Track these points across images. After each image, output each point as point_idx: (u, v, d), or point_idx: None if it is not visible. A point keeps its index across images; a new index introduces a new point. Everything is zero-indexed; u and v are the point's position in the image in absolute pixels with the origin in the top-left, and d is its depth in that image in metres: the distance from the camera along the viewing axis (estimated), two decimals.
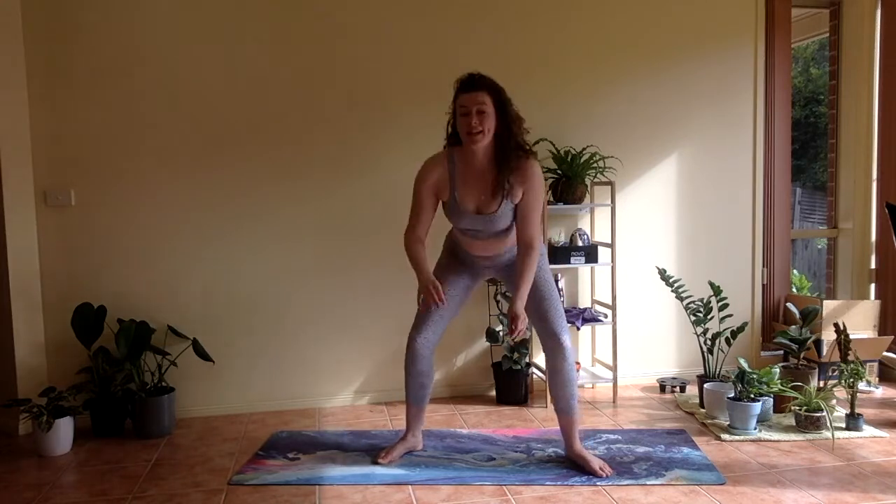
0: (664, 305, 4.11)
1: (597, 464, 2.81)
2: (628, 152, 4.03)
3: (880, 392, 3.88)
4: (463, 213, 2.77)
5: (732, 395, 3.30)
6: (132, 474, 2.93)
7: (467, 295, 3.01)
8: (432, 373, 2.99)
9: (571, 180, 3.71)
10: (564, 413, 2.88)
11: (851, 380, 3.27)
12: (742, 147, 4.19)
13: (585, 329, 4.08)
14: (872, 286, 4.32)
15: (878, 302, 4.10)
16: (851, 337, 3.46)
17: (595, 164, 3.76)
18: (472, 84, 2.68)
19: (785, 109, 4.28)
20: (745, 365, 3.33)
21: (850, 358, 3.34)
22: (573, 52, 3.97)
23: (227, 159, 3.65)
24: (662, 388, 3.97)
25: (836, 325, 3.48)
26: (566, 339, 2.83)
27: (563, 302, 3.82)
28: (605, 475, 2.76)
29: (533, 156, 2.74)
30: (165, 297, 3.62)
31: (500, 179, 2.70)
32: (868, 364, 3.83)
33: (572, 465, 2.87)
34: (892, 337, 3.99)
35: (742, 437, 3.17)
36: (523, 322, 2.68)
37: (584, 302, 4.11)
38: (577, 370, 3.90)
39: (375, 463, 2.93)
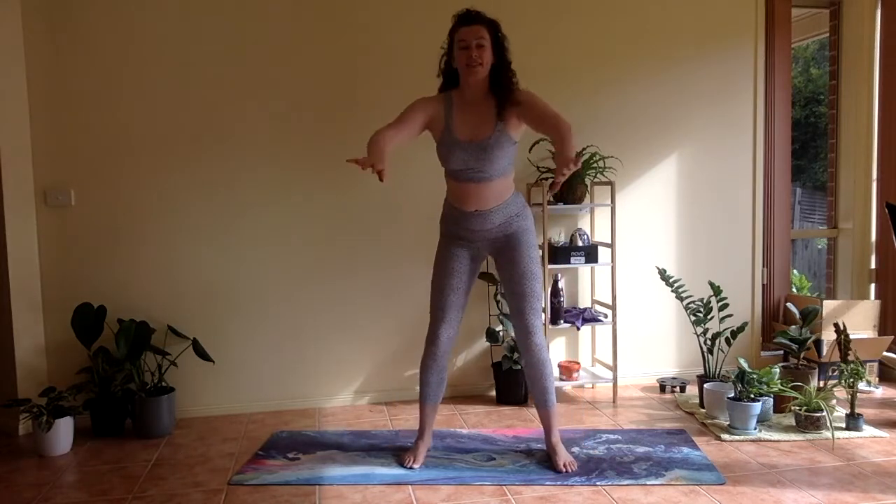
0: (664, 305, 4.11)
1: (562, 461, 2.85)
2: (628, 152, 4.03)
3: (880, 392, 3.88)
4: (456, 143, 2.75)
5: (732, 395, 3.30)
6: (132, 474, 2.93)
7: (473, 279, 2.96)
8: (446, 369, 2.99)
9: (571, 180, 3.71)
10: (541, 406, 2.91)
11: (851, 380, 3.27)
12: (742, 147, 4.19)
13: (585, 329, 4.08)
14: (872, 286, 4.32)
15: (878, 302, 4.10)
16: (851, 337, 3.46)
17: (595, 164, 3.77)
18: (470, 18, 2.75)
19: (785, 109, 4.28)
20: (745, 365, 3.33)
21: (850, 358, 3.34)
22: (573, 52, 3.97)
23: (228, 159, 3.65)
24: (662, 388, 3.97)
25: (836, 325, 3.48)
26: (538, 335, 2.84)
27: (563, 302, 3.82)
28: (566, 472, 2.80)
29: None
30: (165, 297, 3.62)
31: (497, 107, 2.75)
32: (868, 364, 3.83)
33: (544, 459, 2.93)
34: (892, 337, 3.99)
35: (742, 437, 3.17)
36: (570, 169, 2.48)
37: (584, 302, 4.11)
38: (578, 370, 3.92)
39: (405, 467, 2.90)
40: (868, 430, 3.23)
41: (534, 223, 2.94)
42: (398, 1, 3.77)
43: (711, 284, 3.72)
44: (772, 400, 3.40)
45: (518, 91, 2.79)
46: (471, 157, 2.75)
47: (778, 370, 3.43)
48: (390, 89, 3.78)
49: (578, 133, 3.90)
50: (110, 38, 3.50)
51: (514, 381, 3.76)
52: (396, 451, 3.07)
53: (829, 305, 3.98)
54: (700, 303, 3.69)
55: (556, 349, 4.07)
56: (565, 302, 3.89)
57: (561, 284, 3.83)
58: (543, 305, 3.14)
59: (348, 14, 3.73)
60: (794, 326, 3.71)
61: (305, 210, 3.74)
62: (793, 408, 3.32)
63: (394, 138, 2.64)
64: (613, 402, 3.79)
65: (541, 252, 3.73)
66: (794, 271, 5.78)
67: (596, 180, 3.84)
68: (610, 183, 3.79)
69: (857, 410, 3.27)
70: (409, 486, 2.73)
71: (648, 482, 2.72)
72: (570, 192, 3.73)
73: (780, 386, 3.32)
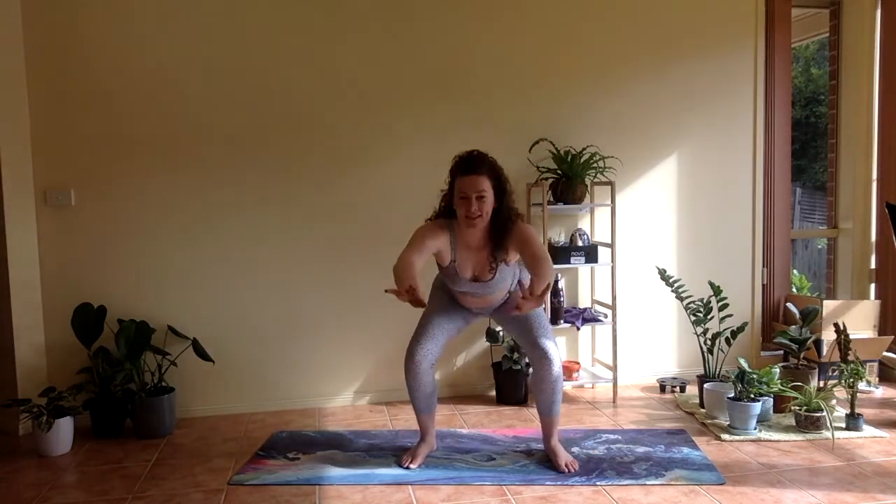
0: (664, 305, 4.11)
1: (563, 460, 2.86)
2: (628, 152, 4.03)
3: (880, 392, 3.88)
4: (461, 279, 2.83)
5: (732, 395, 3.30)
6: (132, 474, 2.93)
7: (466, 324, 3.05)
8: (435, 381, 2.96)
9: (571, 180, 3.71)
10: (545, 414, 2.92)
11: (851, 380, 3.27)
12: (742, 147, 4.19)
13: (585, 329, 4.08)
14: (872, 286, 4.32)
15: (878, 302, 4.10)
16: (851, 337, 3.46)
17: (595, 164, 3.76)
18: (472, 167, 2.70)
19: (785, 109, 4.28)
20: (745, 365, 3.33)
21: (850, 358, 3.34)
22: (573, 52, 3.97)
23: (228, 160, 3.65)
24: (662, 388, 3.97)
25: (836, 325, 3.48)
26: (551, 351, 2.84)
27: (563, 302, 3.82)
28: (568, 472, 2.80)
29: (520, 218, 2.79)
30: (165, 297, 3.62)
31: (495, 253, 2.77)
32: (868, 364, 3.83)
33: (544, 459, 2.93)
34: (892, 337, 3.99)
35: (742, 437, 3.17)
36: (529, 305, 2.53)
37: (584, 302, 4.10)
38: (578, 370, 3.92)
39: (403, 467, 2.90)
40: (868, 430, 3.23)
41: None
42: (399, 4, 3.77)
43: (711, 284, 3.72)
44: (772, 400, 3.40)
45: (516, 229, 2.74)
46: (475, 288, 2.84)
47: (778, 370, 3.43)
48: (394, 93, 3.79)
49: (579, 133, 3.95)
50: (110, 39, 3.50)
51: (514, 381, 3.75)
52: (396, 451, 3.07)
53: (829, 305, 3.98)
54: (700, 303, 3.68)
55: None
56: (565, 302, 3.88)
57: (561, 284, 3.83)
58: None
59: (349, 15, 3.73)
60: (794, 326, 3.71)
61: (306, 210, 3.74)
62: (793, 408, 3.32)
63: (417, 264, 2.66)
64: (613, 402, 3.79)
65: None
66: (794, 271, 5.78)
67: (596, 180, 3.84)
68: (610, 183, 3.79)
69: (857, 410, 3.27)
70: (409, 486, 2.73)
71: (648, 482, 2.72)
72: (570, 192, 3.73)
73: (780, 386, 3.32)
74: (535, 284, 2.57)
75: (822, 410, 3.20)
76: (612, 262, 3.79)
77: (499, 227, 2.73)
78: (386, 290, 2.57)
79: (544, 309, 3.79)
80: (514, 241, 2.73)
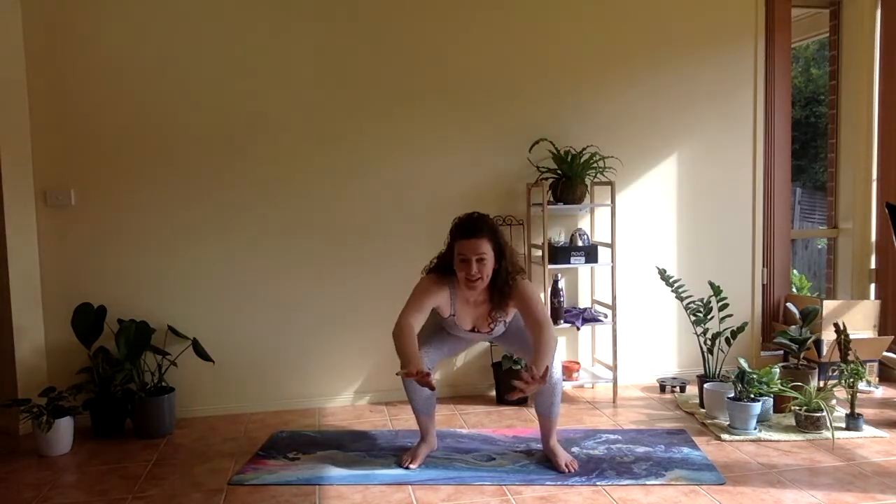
0: (664, 305, 4.11)
1: (563, 461, 2.86)
2: (628, 152, 4.03)
3: (880, 392, 3.88)
4: (460, 329, 2.92)
5: (732, 395, 3.30)
6: (132, 474, 2.93)
7: (467, 346, 3.16)
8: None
9: (571, 180, 3.71)
10: (544, 416, 2.92)
11: (851, 380, 3.27)
12: (742, 147, 4.19)
13: (585, 329, 4.08)
14: (872, 286, 4.32)
15: (878, 302, 4.09)
16: (851, 337, 3.46)
17: (595, 164, 3.76)
18: (472, 230, 2.71)
19: (785, 109, 4.28)
20: (745, 365, 3.33)
21: (850, 358, 3.34)
22: (573, 52, 3.97)
23: (228, 160, 3.65)
24: (662, 388, 3.97)
25: (836, 325, 3.48)
26: (556, 361, 2.83)
27: (563, 302, 3.82)
28: (568, 471, 2.81)
29: (521, 274, 2.81)
30: (165, 297, 3.62)
31: (493, 313, 2.85)
32: (868, 364, 3.83)
33: (544, 459, 2.94)
34: (892, 337, 3.99)
35: (742, 437, 3.17)
36: (536, 385, 2.55)
37: (584, 302, 4.10)
38: (578, 370, 3.92)
39: (403, 468, 2.89)
40: (868, 430, 3.23)
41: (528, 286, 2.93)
42: (400, 4, 3.77)
43: (711, 284, 3.72)
44: (772, 400, 3.40)
45: (517, 288, 2.76)
46: (473, 336, 3.00)
47: (778, 370, 3.43)
48: (393, 92, 3.79)
49: (579, 133, 3.95)
50: (110, 39, 3.50)
51: (514, 381, 3.74)
52: (396, 451, 3.07)
53: (829, 305, 3.98)
54: (700, 303, 3.68)
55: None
56: (565, 302, 3.88)
57: (561, 284, 3.83)
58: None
59: (350, 15, 3.73)
60: (794, 326, 3.71)
61: (306, 210, 3.74)
62: (793, 408, 3.32)
63: (417, 325, 2.70)
64: (613, 402, 3.79)
65: (540, 252, 3.74)
66: (794, 271, 5.77)
67: (596, 180, 3.84)
68: (610, 183, 3.79)
69: (857, 410, 3.27)
70: (409, 486, 2.73)
71: (648, 482, 2.72)
72: (570, 192, 3.73)
73: (780, 386, 3.32)
74: (537, 363, 2.58)
75: (822, 410, 3.20)
76: (612, 262, 3.79)
77: (499, 287, 2.78)
78: (397, 374, 2.62)
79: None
80: (514, 300, 2.79)
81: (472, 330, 2.92)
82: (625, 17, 4.01)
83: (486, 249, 2.69)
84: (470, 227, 2.72)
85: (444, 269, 2.82)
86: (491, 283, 2.77)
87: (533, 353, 2.67)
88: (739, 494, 2.61)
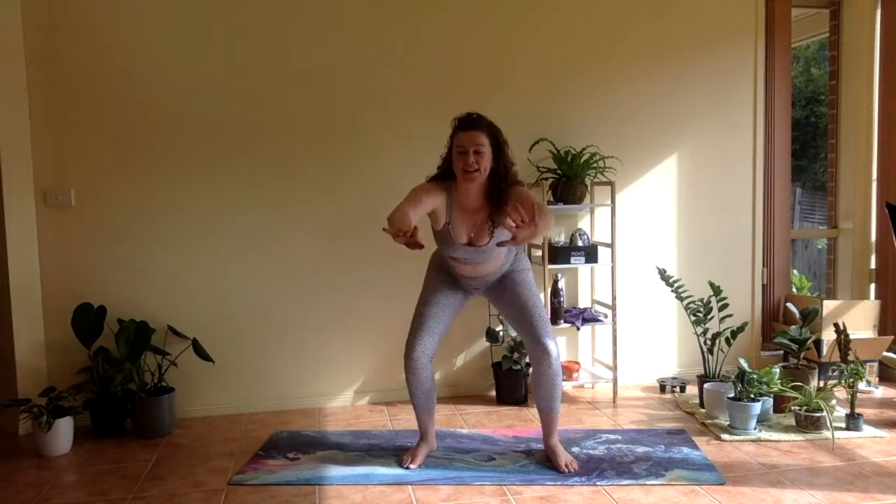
0: (664, 305, 4.11)
1: (563, 460, 2.86)
2: (628, 152, 4.03)
3: (880, 392, 3.88)
4: (455, 243, 2.81)
5: (732, 395, 3.30)
6: (132, 474, 2.93)
7: (461, 307, 3.02)
8: (433, 378, 2.96)
9: (571, 180, 3.71)
10: (545, 412, 2.92)
11: (851, 380, 3.27)
12: (742, 147, 4.19)
13: (585, 329, 4.08)
14: (872, 286, 4.32)
15: (878, 302, 4.09)
16: (851, 337, 3.46)
17: (595, 164, 3.76)
18: (470, 123, 2.72)
19: (785, 109, 4.28)
20: (745, 365, 3.33)
21: (850, 358, 3.34)
22: (573, 51, 3.97)
23: (227, 159, 3.65)
24: (662, 388, 3.97)
25: (836, 325, 3.48)
26: (551, 345, 2.83)
27: (563, 302, 3.82)
28: (568, 471, 2.80)
29: (519, 183, 2.78)
30: (165, 297, 3.62)
31: (491, 216, 2.76)
32: (868, 364, 3.83)
33: (543, 459, 2.93)
34: (892, 337, 3.99)
35: (742, 437, 3.17)
36: (524, 233, 2.42)
37: (584, 302, 4.10)
38: (578, 370, 3.92)
39: (403, 468, 2.89)
40: (868, 430, 3.23)
41: (529, 263, 2.98)
42: (399, 4, 3.77)
43: (711, 284, 3.72)
44: (772, 400, 3.40)
45: (515, 189, 2.74)
46: (470, 253, 2.82)
47: (778, 370, 3.43)
48: (390, 90, 3.79)
49: (579, 133, 3.94)
50: (110, 39, 3.50)
51: (514, 381, 3.75)
52: (396, 451, 3.07)
53: (829, 305, 3.98)
54: (700, 303, 3.68)
55: None
56: (565, 302, 3.88)
57: (561, 284, 3.83)
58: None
59: (349, 14, 3.73)
60: (794, 326, 3.71)
61: (305, 210, 3.74)
62: (793, 408, 3.32)
63: (413, 214, 2.65)
64: (613, 402, 3.79)
65: (540, 252, 3.74)
66: (794, 271, 5.78)
67: (596, 180, 3.84)
68: (610, 183, 3.79)
69: (857, 410, 3.27)
70: (409, 486, 2.73)
71: (648, 482, 2.72)
72: (570, 192, 3.73)
73: (780, 386, 3.32)
74: (529, 217, 2.45)
75: (822, 410, 3.20)
76: (612, 262, 3.79)
77: (496, 187, 2.73)
78: (383, 229, 2.55)
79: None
80: (512, 200, 2.70)
81: (469, 244, 2.80)
82: (625, 17, 4.01)
83: (484, 142, 2.69)
84: (468, 121, 2.74)
85: (444, 177, 2.81)
86: (489, 182, 2.74)
87: (527, 217, 2.51)
88: (739, 494, 2.61)
